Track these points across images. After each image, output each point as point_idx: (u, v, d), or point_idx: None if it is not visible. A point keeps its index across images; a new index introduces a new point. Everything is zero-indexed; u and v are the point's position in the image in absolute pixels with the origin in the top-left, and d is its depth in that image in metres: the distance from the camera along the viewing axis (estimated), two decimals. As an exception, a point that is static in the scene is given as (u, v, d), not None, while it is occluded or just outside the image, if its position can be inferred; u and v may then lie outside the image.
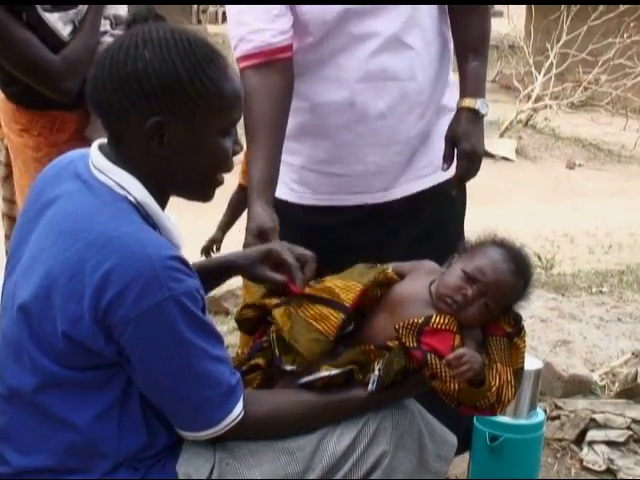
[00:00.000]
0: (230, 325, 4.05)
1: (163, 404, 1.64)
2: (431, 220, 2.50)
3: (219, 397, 1.63)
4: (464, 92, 2.41)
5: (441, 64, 2.45)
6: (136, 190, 1.63)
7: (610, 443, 3.01)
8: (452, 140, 2.39)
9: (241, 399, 1.66)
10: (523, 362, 1.87)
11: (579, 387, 3.41)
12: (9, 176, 3.30)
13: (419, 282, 1.91)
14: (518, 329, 1.87)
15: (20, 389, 1.64)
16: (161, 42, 1.60)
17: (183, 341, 1.57)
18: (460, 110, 2.39)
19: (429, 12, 2.38)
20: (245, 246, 2.10)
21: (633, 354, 3.79)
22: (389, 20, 2.30)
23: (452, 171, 2.41)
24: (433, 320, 1.79)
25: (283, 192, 2.43)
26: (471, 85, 2.41)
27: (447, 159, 2.38)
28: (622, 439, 3.02)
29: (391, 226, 2.47)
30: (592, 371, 3.63)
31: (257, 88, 2.22)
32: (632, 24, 11.31)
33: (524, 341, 1.87)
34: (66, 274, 1.56)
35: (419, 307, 1.85)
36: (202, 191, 1.73)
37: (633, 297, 4.77)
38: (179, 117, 1.61)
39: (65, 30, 2.68)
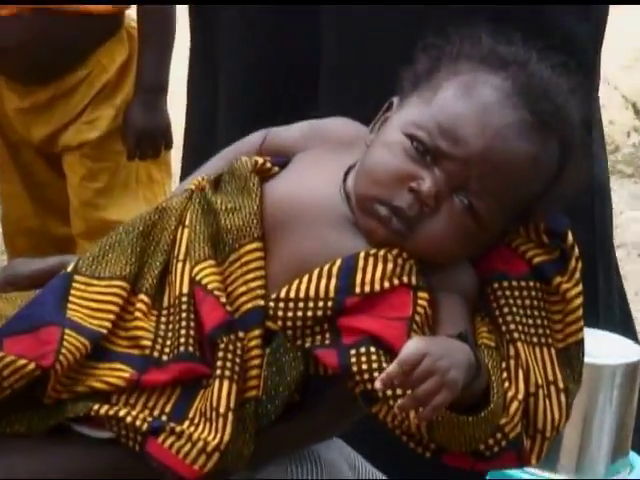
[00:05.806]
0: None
1: None
2: None
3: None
4: None
5: None
6: None
7: None
8: None
9: None
10: (581, 331, 0.91)
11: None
12: None
13: (320, 173, 0.96)
14: (563, 256, 0.91)
15: None
16: None
17: None
18: None
19: None
20: None
21: (638, 357, 3.78)
22: None
23: None
24: (360, 266, 0.87)
25: None
26: None
27: None
28: None
29: None
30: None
31: None
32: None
33: (578, 283, 0.91)
34: None
35: (324, 234, 0.91)
36: None
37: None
38: None
39: None
